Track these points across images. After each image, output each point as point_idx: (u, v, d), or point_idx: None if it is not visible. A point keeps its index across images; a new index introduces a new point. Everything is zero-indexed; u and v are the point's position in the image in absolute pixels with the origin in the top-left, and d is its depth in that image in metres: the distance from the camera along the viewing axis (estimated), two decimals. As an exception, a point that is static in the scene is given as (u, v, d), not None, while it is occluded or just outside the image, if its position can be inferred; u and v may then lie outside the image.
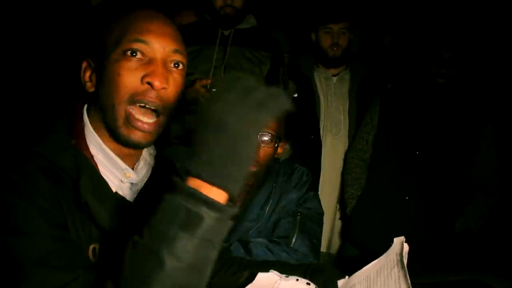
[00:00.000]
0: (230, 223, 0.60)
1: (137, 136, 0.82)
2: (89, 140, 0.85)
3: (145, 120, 0.81)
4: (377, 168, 2.07)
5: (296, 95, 2.28)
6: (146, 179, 0.92)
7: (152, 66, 0.81)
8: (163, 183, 0.96)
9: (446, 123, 1.92)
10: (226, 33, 2.01)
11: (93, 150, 0.84)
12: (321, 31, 2.25)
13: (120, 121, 0.81)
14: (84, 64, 0.89)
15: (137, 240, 0.60)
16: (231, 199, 0.61)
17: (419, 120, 1.96)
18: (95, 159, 0.84)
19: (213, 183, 0.59)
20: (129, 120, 0.80)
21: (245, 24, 2.05)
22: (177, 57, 0.85)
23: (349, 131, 2.27)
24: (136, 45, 0.81)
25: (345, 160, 2.22)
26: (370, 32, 2.70)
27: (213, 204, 0.58)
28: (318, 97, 2.29)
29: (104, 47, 0.84)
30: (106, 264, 0.81)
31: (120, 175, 0.86)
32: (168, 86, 0.82)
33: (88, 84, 0.88)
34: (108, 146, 0.85)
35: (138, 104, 0.80)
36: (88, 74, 0.88)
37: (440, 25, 2.11)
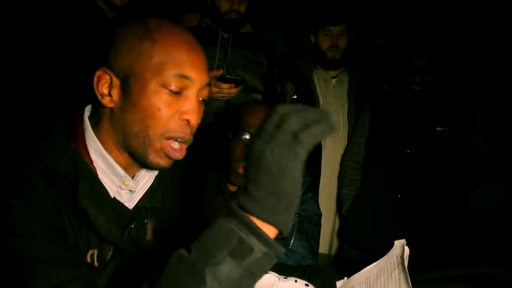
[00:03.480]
0: (274, 260, 0.60)
1: (166, 162, 0.82)
2: (89, 145, 0.83)
3: (177, 147, 0.82)
4: (370, 169, 2.11)
5: (295, 97, 2.28)
6: (147, 188, 0.91)
7: (189, 103, 0.80)
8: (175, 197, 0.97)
9: (433, 120, 1.95)
10: (225, 35, 2.04)
11: (93, 155, 0.83)
12: (320, 33, 2.25)
13: (152, 150, 0.81)
14: (102, 76, 0.82)
15: (183, 255, 0.59)
16: (281, 234, 0.61)
17: (407, 120, 1.99)
18: (94, 164, 0.82)
19: (264, 220, 0.59)
20: (165, 151, 0.81)
21: (243, 29, 2.09)
22: (206, 92, 0.85)
23: (348, 133, 2.28)
24: (181, 82, 0.79)
25: (341, 164, 2.26)
26: (367, 33, 2.69)
27: (264, 238, 0.58)
28: (317, 98, 2.29)
29: (138, 68, 0.79)
30: (115, 270, 0.81)
31: (119, 182, 0.85)
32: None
33: (107, 98, 0.82)
34: (111, 155, 0.84)
35: (173, 139, 0.80)
36: (105, 86, 0.82)
37: (411, 34, 2.13)
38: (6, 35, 1.70)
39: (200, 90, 0.82)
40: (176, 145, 0.81)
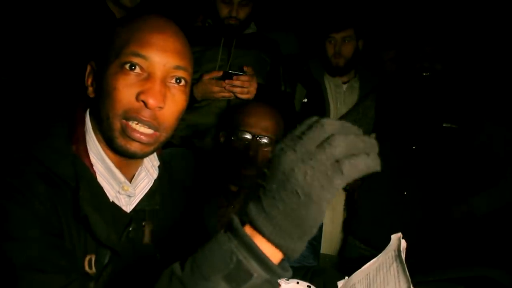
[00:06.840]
0: (276, 286, 0.54)
1: (134, 147, 0.79)
2: (89, 148, 0.82)
3: (142, 130, 0.79)
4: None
5: (305, 100, 2.28)
6: (146, 191, 0.90)
7: (149, 83, 0.77)
8: (171, 200, 0.96)
9: (439, 115, 1.93)
10: None
11: (93, 158, 0.82)
12: (326, 40, 2.22)
13: (116, 132, 0.79)
14: (88, 68, 0.86)
15: (176, 272, 0.54)
16: (286, 259, 0.54)
17: (413, 115, 1.97)
18: (94, 167, 0.81)
19: (271, 240, 0.51)
20: (125, 131, 0.78)
21: (247, 30, 2.07)
22: (179, 74, 0.81)
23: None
24: (135, 59, 0.77)
25: None
26: (373, 44, 2.63)
27: (267, 263, 0.51)
28: (328, 103, 2.27)
29: (106, 54, 0.80)
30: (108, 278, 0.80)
31: (118, 187, 0.84)
32: (164, 105, 0.79)
33: (90, 89, 0.85)
34: (107, 156, 0.83)
35: (131, 121, 0.78)
36: (90, 79, 0.85)
37: (422, 22, 2.11)
38: (12, 35, 1.72)
39: (164, 72, 0.79)
40: (137, 125, 0.78)
